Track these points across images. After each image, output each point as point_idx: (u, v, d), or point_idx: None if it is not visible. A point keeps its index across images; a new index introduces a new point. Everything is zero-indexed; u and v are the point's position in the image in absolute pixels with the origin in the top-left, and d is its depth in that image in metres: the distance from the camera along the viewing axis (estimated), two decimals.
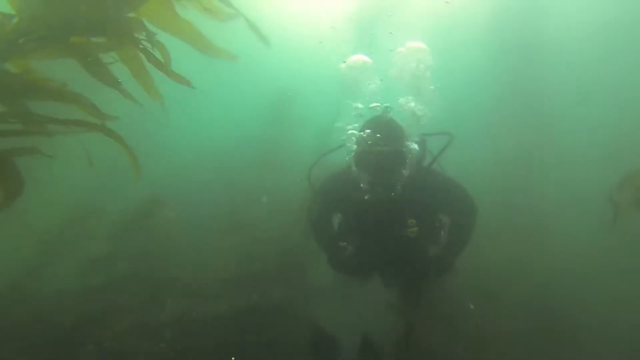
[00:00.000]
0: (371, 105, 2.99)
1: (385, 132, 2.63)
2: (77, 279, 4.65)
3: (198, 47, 3.16)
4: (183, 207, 5.73)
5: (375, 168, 2.58)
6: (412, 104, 3.04)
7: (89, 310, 4.18)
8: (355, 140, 2.76)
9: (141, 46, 2.73)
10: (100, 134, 2.86)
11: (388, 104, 3.04)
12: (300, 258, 4.78)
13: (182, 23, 2.96)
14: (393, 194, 2.63)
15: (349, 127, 3.08)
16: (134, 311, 4.21)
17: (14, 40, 2.44)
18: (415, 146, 2.80)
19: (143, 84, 3.09)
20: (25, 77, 2.47)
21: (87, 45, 2.53)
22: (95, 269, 4.89)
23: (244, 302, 4.42)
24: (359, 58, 3.48)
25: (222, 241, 5.22)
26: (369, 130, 2.68)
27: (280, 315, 4.34)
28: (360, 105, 3.24)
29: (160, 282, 4.65)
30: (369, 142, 2.59)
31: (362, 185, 2.69)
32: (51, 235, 5.32)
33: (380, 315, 3.69)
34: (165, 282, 4.62)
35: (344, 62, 3.78)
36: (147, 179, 3.94)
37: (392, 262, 2.90)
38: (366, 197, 2.64)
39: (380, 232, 2.77)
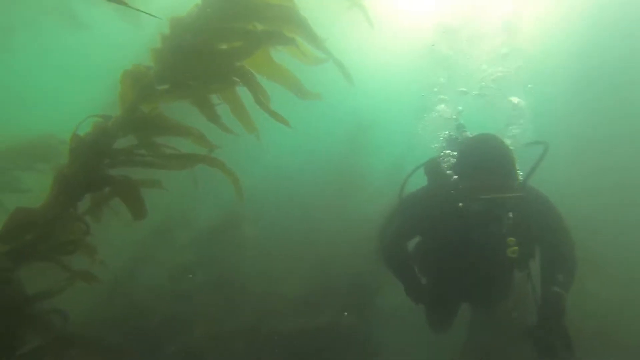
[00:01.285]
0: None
1: (495, 167, 2.37)
2: (165, 282, 5.22)
3: (290, 89, 3.55)
4: (259, 223, 6.19)
5: (477, 173, 2.39)
6: None
7: (173, 312, 4.69)
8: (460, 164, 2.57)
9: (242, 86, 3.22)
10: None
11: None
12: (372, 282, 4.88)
13: (278, 68, 3.38)
14: (496, 209, 2.42)
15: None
16: (210, 319, 4.64)
17: (150, 87, 3.01)
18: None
19: (241, 120, 3.53)
20: (154, 116, 2.99)
21: (203, 89, 3.01)
22: (180, 275, 5.46)
23: (310, 323, 4.62)
24: None
25: (296, 260, 5.54)
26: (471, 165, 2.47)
27: (344, 340, 4.45)
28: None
29: (235, 294, 5.04)
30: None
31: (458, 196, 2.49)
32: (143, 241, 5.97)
33: None
34: (240, 295, 5.01)
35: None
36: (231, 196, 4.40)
37: (486, 288, 2.71)
38: (460, 205, 2.44)
39: (474, 253, 2.54)
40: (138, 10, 2.61)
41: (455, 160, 2.70)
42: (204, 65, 2.99)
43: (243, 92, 3.37)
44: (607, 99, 7.68)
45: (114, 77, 3.25)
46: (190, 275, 5.29)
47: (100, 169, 2.92)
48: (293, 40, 3.11)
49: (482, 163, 2.40)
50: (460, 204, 2.43)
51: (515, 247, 2.44)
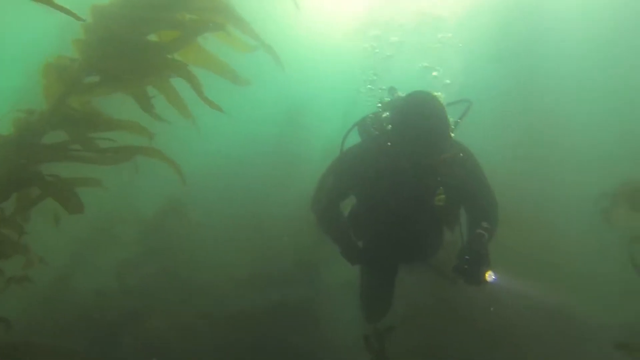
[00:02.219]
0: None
1: (428, 126, 2.38)
2: (113, 280, 5.14)
3: (223, 76, 3.63)
4: (203, 208, 6.22)
5: (417, 142, 2.37)
6: None
7: (124, 308, 4.65)
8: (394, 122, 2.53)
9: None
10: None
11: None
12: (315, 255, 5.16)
13: (211, 58, 3.45)
14: (429, 160, 2.41)
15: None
16: (163, 309, 4.67)
17: (77, 80, 2.94)
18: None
19: (178, 108, 3.56)
20: (85, 111, 2.95)
21: (136, 82, 3.01)
22: (127, 269, 5.38)
23: (261, 300, 4.84)
24: None
25: (240, 242, 5.69)
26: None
27: (295, 313, 4.73)
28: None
29: (184, 282, 5.11)
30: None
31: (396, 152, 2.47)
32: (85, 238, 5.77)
33: None
34: (189, 283, 5.08)
35: None
36: (168, 185, 4.40)
37: (418, 241, 2.75)
38: (398, 162, 2.45)
39: (406, 201, 2.57)
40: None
41: (389, 118, 2.62)
42: (136, 57, 2.97)
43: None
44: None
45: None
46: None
47: (28, 167, 2.83)
48: (223, 27, 3.16)
49: (417, 127, 2.38)
50: (407, 165, 2.41)
51: (442, 196, 2.51)
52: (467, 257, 2.30)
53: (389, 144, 2.54)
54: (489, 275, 2.24)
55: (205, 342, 4.25)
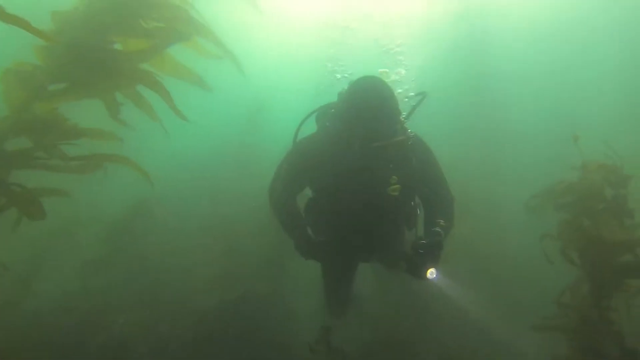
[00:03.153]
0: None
1: (376, 103, 2.34)
2: (77, 282, 5.10)
3: (188, 82, 3.76)
4: (170, 209, 6.27)
5: (368, 127, 2.31)
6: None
7: (89, 310, 4.65)
8: (344, 107, 2.45)
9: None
10: None
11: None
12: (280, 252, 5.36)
13: (177, 65, 3.57)
14: (381, 148, 2.34)
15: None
16: (131, 309, 4.72)
17: (42, 87, 2.97)
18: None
19: (145, 112, 3.65)
20: (49, 118, 2.99)
21: (103, 89, 3.08)
22: (92, 271, 5.35)
23: (230, 296, 4.99)
24: None
25: (207, 239, 5.80)
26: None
27: (264, 308, 4.92)
28: None
29: (153, 281, 5.16)
30: (361, 103, 2.33)
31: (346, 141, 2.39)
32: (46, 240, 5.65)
33: None
34: (158, 282, 5.15)
35: None
36: (134, 184, 4.46)
37: (372, 234, 2.65)
38: (349, 151, 2.37)
39: (359, 190, 2.48)
40: None
41: (340, 105, 2.51)
42: (103, 65, 3.03)
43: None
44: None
45: None
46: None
47: None
48: (189, 37, 3.29)
49: (365, 108, 2.33)
50: (350, 151, 2.35)
51: (397, 185, 2.42)
52: (420, 250, 2.26)
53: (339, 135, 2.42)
54: (431, 273, 2.27)
55: (171, 340, 4.35)
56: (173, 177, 6.41)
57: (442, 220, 2.45)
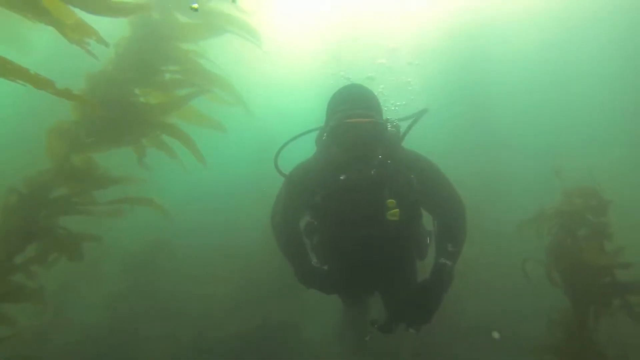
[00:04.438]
0: None
1: (359, 100, 2.29)
2: (103, 312, 5.42)
3: (205, 126, 4.18)
4: (188, 241, 6.61)
5: (353, 141, 2.21)
6: None
7: (114, 340, 4.94)
8: (327, 112, 2.39)
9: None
10: None
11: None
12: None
13: (196, 114, 3.99)
14: (374, 171, 2.24)
15: None
16: (154, 339, 5.00)
17: (79, 140, 3.39)
18: (395, 122, 2.47)
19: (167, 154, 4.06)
20: (85, 167, 3.39)
21: (132, 138, 3.50)
22: (115, 302, 5.67)
23: (247, 326, 5.21)
24: None
25: (224, 271, 6.09)
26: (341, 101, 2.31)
27: (280, 337, 5.12)
28: None
29: (173, 313, 5.45)
30: (343, 113, 2.23)
31: (337, 165, 2.29)
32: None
33: None
34: (178, 313, 5.43)
35: None
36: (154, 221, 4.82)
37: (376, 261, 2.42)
38: (342, 177, 2.26)
39: (357, 219, 2.32)
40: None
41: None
42: (131, 118, 3.46)
43: None
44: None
45: None
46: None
47: (38, 221, 3.24)
48: (209, 91, 3.72)
49: (346, 99, 2.30)
50: (342, 177, 2.25)
51: (396, 210, 2.23)
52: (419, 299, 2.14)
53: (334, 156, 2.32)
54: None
55: None
56: (190, 211, 6.78)
57: (450, 245, 2.27)
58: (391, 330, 2.22)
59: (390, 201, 2.26)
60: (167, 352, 4.69)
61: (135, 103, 3.56)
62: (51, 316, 5.07)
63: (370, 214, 2.31)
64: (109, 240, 6.16)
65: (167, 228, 5.71)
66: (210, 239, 6.70)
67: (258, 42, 4.41)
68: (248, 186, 7.41)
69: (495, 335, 3.77)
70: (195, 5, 3.95)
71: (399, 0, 7.72)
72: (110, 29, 3.61)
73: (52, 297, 5.32)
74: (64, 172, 3.37)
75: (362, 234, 2.35)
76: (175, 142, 3.98)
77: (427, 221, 2.49)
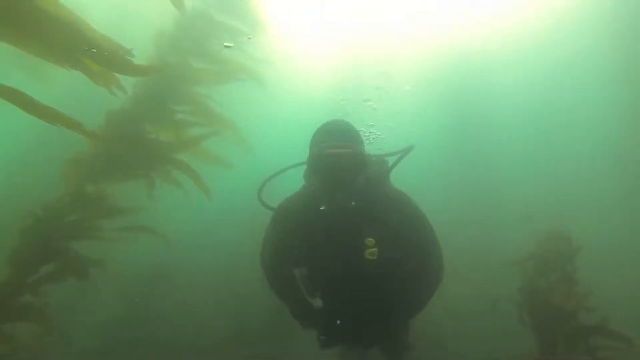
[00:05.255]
0: None
1: (339, 131, 2.27)
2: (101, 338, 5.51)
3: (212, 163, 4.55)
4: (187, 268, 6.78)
5: (332, 171, 2.16)
6: None
7: None
8: (310, 148, 2.34)
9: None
10: None
11: None
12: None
13: (205, 152, 4.38)
14: (354, 202, 2.17)
15: None
16: None
17: (94, 171, 3.72)
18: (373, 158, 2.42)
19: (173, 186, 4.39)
20: (97, 197, 3.70)
21: (144, 171, 3.84)
22: (109, 331, 5.78)
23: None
24: None
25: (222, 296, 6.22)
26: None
27: None
28: None
29: (168, 343, 5.54)
30: (323, 144, 2.20)
31: (318, 196, 2.24)
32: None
33: None
34: (175, 338, 5.53)
35: None
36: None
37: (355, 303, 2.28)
38: (322, 208, 2.20)
39: (334, 254, 2.24)
40: None
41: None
42: (144, 153, 3.82)
43: None
44: None
45: None
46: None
47: (52, 243, 3.51)
48: (219, 133, 4.12)
49: (327, 131, 2.27)
50: (322, 208, 2.18)
51: (374, 249, 2.16)
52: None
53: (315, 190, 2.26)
54: None
55: None
56: (191, 238, 7.01)
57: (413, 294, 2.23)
58: None
59: (369, 240, 2.20)
60: None
61: (148, 139, 3.91)
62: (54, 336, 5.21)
63: (349, 250, 2.23)
64: (111, 264, 6.44)
65: (166, 255, 5.95)
66: (209, 265, 6.88)
67: (266, 86, 4.89)
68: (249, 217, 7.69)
69: None
70: (230, 44, 4.44)
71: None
72: None
73: (54, 316, 5.56)
74: (78, 200, 3.67)
75: (342, 270, 2.26)
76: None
77: None
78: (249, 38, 4.83)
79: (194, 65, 4.46)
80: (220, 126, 4.36)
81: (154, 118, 4.18)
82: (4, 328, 3.13)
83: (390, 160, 2.49)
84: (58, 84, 6.62)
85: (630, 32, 8.01)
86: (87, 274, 3.54)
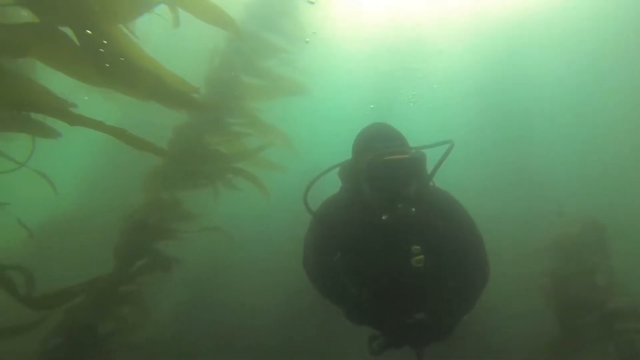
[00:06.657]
0: None
1: (393, 136, 2.22)
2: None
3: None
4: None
5: (393, 179, 2.09)
6: None
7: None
8: (356, 151, 2.30)
9: None
10: None
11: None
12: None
13: (261, 161, 4.97)
14: (414, 209, 2.09)
15: None
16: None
17: (167, 180, 4.40)
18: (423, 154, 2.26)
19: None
20: (170, 202, 4.39)
21: (210, 179, 4.49)
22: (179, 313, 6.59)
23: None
24: None
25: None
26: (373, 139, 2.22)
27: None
28: None
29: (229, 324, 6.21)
30: (379, 150, 2.12)
31: (372, 205, 2.15)
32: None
33: None
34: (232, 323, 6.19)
35: None
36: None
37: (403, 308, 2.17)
38: (384, 218, 2.10)
39: (386, 263, 2.18)
40: None
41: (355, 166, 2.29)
42: (209, 163, 4.46)
43: None
44: None
45: None
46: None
47: (143, 242, 4.26)
48: (271, 145, 4.67)
49: (380, 135, 2.23)
50: (384, 217, 2.09)
51: (421, 256, 2.10)
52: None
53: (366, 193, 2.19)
54: None
55: None
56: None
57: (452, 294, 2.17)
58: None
59: (416, 247, 2.13)
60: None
61: (211, 151, 4.54)
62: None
63: (396, 260, 2.17)
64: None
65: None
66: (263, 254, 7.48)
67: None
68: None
69: None
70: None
71: None
72: None
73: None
74: (158, 206, 4.39)
75: (387, 282, 2.23)
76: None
77: None
78: (307, 42, 5.37)
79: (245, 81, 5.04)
80: (274, 136, 4.92)
81: (214, 131, 4.81)
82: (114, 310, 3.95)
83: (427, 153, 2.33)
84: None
85: None
86: (171, 269, 4.26)
